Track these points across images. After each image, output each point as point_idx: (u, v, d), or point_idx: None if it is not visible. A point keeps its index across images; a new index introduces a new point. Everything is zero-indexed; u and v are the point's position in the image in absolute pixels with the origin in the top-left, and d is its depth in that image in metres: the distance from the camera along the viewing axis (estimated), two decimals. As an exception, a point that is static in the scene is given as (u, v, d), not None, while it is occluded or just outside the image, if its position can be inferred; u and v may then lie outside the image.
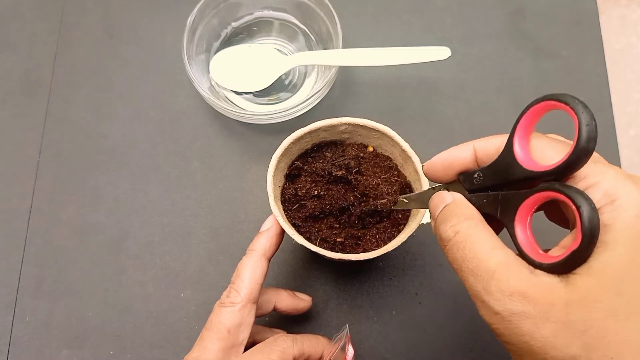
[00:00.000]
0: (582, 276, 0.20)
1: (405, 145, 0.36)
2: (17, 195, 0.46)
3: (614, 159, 0.47)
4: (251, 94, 0.48)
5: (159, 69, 0.50)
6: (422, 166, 0.29)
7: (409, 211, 0.37)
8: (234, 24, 0.49)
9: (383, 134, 0.37)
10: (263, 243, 0.34)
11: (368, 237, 0.37)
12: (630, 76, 1.15)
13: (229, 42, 0.49)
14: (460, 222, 0.24)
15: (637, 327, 0.19)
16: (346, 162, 0.38)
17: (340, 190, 0.38)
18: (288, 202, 0.38)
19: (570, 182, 0.22)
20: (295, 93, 0.48)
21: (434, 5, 0.52)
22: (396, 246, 0.34)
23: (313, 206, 0.38)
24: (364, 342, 0.42)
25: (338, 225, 0.38)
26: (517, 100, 0.49)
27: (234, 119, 0.46)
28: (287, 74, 0.49)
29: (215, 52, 0.48)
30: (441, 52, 0.44)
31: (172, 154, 0.47)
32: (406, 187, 0.38)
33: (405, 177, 0.38)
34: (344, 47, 0.44)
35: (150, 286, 0.44)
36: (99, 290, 0.44)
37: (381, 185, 0.37)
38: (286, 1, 0.48)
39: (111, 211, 0.46)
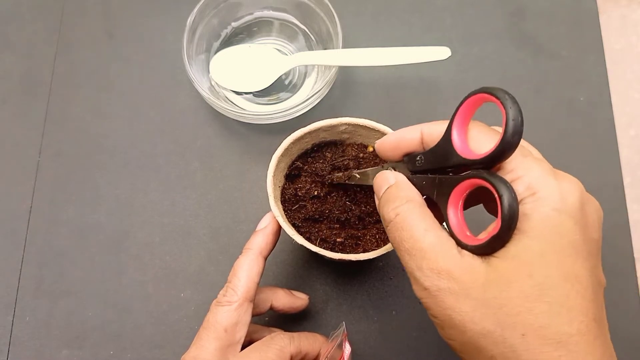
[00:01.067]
0: (501, 259, 0.22)
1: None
2: (17, 195, 0.46)
3: (614, 158, 0.47)
4: (251, 94, 0.48)
5: (159, 69, 0.50)
6: (375, 143, 0.31)
7: None
8: (234, 24, 0.49)
9: (383, 134, 0.37)
10: (259, 242, 0.34)
11: (368, 237, 0.37)
12: (630, 76, 1.15)
13: (229, 42, 0.49)
14: (402, 205, 0.26)
15: (544, 308, 0.21)
16: (345, 163, 0.38)
17: (340, 195, 0.38)
18: (288, 202, 0.38)
19: (500, 174, 0.24)
20: (295, 93, 0.48)
21: (434, 5, 0.52)
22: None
23: (313, 208, 0.38)
24: (364, 342, 0.42)
25: (338, 226, 0.38)
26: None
27: (234, 119, 0.46)
28: (287, 74, 0.49)
29: (215, 52, 0.48)
30: (441, 52, 0.44)
31: (172, 154, 0.47)
32: None
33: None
34: (344, 47, 0.44)
35: (150, 286, 0.44)
36: (99, 290, 0.44)
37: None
38: (286, 1, 0.48)
39: (111, 211, 0.46)
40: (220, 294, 0.33)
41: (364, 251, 0.36)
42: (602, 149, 0.48)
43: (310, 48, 0.49)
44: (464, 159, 0.25)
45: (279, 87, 0.48)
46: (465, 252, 0.23)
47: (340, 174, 0.37)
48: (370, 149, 0.39)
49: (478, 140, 0.25)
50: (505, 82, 0.50)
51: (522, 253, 0.22)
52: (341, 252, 0.36)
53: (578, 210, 0.23)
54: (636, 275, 0.44)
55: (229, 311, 0.32)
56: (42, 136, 0.48)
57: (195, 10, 0.45)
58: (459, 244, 0.24)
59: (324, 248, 0.36)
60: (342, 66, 0.46)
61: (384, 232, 0.37)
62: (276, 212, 0.34)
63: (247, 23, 0.50)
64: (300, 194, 0.38)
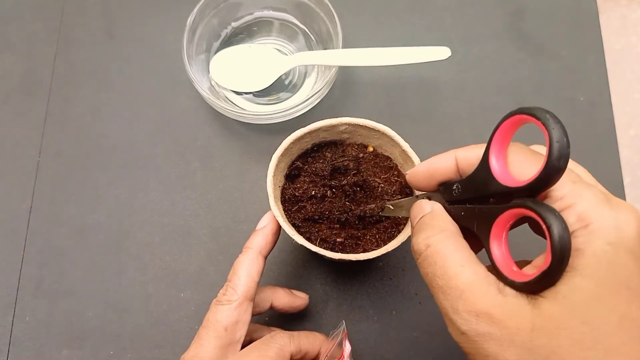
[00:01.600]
0: (550, 301, 0.20)
1: (405, 146, 0.36)
2: (17, 195, 0.46)
3: (614, 159, 0.47)
4: (251, 94, 0.48)
5: (159, 69, 0.50)
6: (406, 174, 0.29)
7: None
8: (234, 24, 0.49)
9: (383, 134, 0.37)
10: (259, 241, 0.34)
11: (368, 237, 0.37)
12: (630, 76, 1.15)
13: (229, 42, 0.49)
14: (434, 235, 0.24)
15: (600, 355, 0.19)
16: (346, 163, 0.38)
17: (340, 195, 0.38)
18: (288, 202, 0.38)
19: (547, 202, 0.22)
20: (295, 93, 0.48)
21: (434, 5, 0.52)
22: (396, 246, 0.34)
23: (313, 209, 0.38)
24: (364, 342, 0.42)
25: (338, 225, 0.38)
26: (517, 100, 0.49)
27: (234, 119, 0.46)
28: (287, 74, 0.49)
29: (215, 52, 0.48)
30: (441, 52, 0.44)
31: (172, 154, 0.47)
32: (406, 187, 0.38)
33: (406, 177, 0.38)
34: (344, 47, 0.44)
35: (150, 286, 0.44)
36: (99, 290, 0.44)
37: (381, 186, 0.38)
38: (286, 1, 0.48)
39: (111, 211, 0.46)
40: (220, 292, 0.33)
41: (364, 251, 0.36)
42: (602, 149, 0.48)
43: (310, 48, 0.49)
44: (505, 186, 0.23)
45: (279, 87, 0.48)
46: (508, 291, 0.21)
47: (373, 205, 0.36)
48: (370, 149, 0.39)
49: (520, 165, 0.23)
50: (505, 82, 0.50)
51: (574, 294, 0.20)
52: (341, 252, 0.36)
53: (636, 244, 0.20)
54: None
55: (229, 310, 0.31)
56: (42, 136, 0.48)
57: (195, 10, 0.45)
58: (504, 280, 0.22)
59: (324, 248, 0.36)
60: (342, 66, 0.46)
61: (384, 232, 0.37)
62: (276, 212, 0.34)
63: (247, 23, 0.50)
64: (300, 194, 0.38)
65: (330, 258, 0.34)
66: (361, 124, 0.37)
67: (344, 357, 0.34)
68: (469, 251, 0.23)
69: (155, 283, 0.44)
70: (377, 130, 0.37)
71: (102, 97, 0.49)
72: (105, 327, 0.43)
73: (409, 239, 0.34)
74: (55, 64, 0.50)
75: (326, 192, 0.38)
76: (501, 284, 0.22)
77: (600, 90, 0.49)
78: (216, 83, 0.47)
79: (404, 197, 0.36)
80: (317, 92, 0.43)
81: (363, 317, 0.43)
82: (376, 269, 0.44)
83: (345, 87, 0.49)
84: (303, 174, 0.38)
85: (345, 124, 0.37)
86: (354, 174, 0.38)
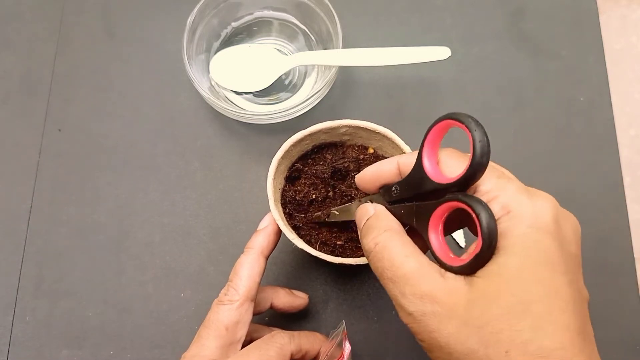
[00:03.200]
0: (482, 278, 0.22)
1: (407, 148, 0.36)
2: (17, 195, 0.46)
3: (614, 158, 0.47)
4: (251, 94, 0.48)
5: (159, 69, 0.50)
6: (355, 177, 0.32)
7: None
8: (234, 24, 0.49)
9: (384, 136, 0.37)
10: (261, 241, 0.34)
11: None
12: (630, 76, 1.15)
13: (229, 42, 0.49)
14: (380, 235, 0.26)
15: (527, 324, 0.21)
16: (346, 165, 0.38)
17: (341, 197, 0.38)
18: (288, 204, 0.38)
19: (476, 195, 0.24)
20: (295, 93, 0.48)
21: (434, 5, 0.52)
22: None
23: (313, 211, 0.38)
24: (364, 342, 0.42)
25: (338, 228, 0.37)
26: (517, 100, 0.49)
27: (234, 119, 0.46)
28: (287, 74, 0.49)
29: (215, 52, 0.48)
30: (441, 52, 0.44)
31: (172, 154, 0.47)
32: None
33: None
34: (344, 47, 0.44)
35: (150, 286, 0.44)
36: (99, 290, 0.44)
37: None
38: (286, 1, 0.48)
39: (111, 211, 0.46)
40: (222, 292, 0.33)
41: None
42: (602, 149, 0.48)
43: (310, 48, 0.49)
44: (438, 183, 0.25)
45: (279, 87, 0.48)
46: (448, 274, 0.24)
47: (319, 213, 0.37)
48: (371, 151, 0.39)
49: (450, 165, 0.26)
50: (505, 82, 0.50)
51: (502, 270, 0.22)
52: (341, 255, 0.36)
53: (553, 226, 0.23)
54: (636, 275, 0.44)
55: (230, 310, 0.32)
56: (42, 136, 0.48)
57: (195, 10, 0.44)
58: (443, 266, 0.24)
59: (324, 251, 0.35)
60: (342, 66, 0.46)
61: None
62: (276, 215, 0.34)
63: (247, 23, 0.50)
64: (300, 197, 0.38)
65: (331, 262, 0.34)
66: (362, 126, 0.37)
67: (343, 357, 0.34)
68: (412, 245, 0.26)
69: (155, 283, 0.44)
70: (378, 133, 0.37)
71: (102, 97, 0.49)
72: (105, 327, 0.43)
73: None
74: (55, 64, 0.50)
75: (327, 194, 0.38)
76: (442, 270, 0.24)
77: (600, 90, 0.49)
78: (216, 83, 0.47)
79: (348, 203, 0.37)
80: (317, 92, 0.43)
81: (363, 317, 0.43)
82: (376, 269, 0.44)
83: (345, 87, 0.49)
84: (303, 176, 0.38)
85: (346, 126, 0.37)
86: (354, 176, 0.38)
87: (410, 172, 0.28)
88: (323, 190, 0.38)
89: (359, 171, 0.38)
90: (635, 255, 0.45)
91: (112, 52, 0.51)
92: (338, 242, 0.37)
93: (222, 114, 0.45)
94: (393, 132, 0.36)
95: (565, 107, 0.49)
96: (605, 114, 0.49)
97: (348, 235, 0.37)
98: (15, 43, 0.51)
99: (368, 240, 0.27)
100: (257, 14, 0.49)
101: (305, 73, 0.49)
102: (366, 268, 0.44)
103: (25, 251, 0.45)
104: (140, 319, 0.43)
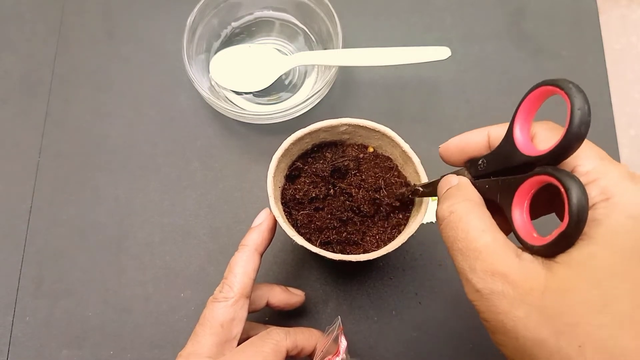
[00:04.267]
0: (564, 265, 0.21)
1: (406, 146, 0.36)
2: (17, 195, 0.46)
3: (614, 158, 0.47)
4: (251, 94, 0.48)
5: (159, 69, 0.50)
6: (439, 148, 0.30)
7: (409, 212, 0.37)
8: (234, 24, 0.49)
9: (383, 134, 0.37)
10: (255, 238, 0.34)
11: (368, 237, 0.37)
12: (630, 76, 1.15)
13: (229, 42, 0.49)
14: (458, 203, 0.25)
15: (607, 321, 0.19)
16: (346, 163, 0.38)
17: (340, 195, 0.38)
18: (288, 202, 0.38)
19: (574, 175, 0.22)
20: (295, 93, 0.48)
21: (434, 5, 0.52)
22: (396, 247, 0.34)
23: (313, 209, 0.37)
24: (364, 342, 0.42)
25: (338, 226, 0.38)
26: (517, 100, 0.49)
27: (234, 119, 0.46)
28: (287, 74, 0.49)
29: (215, 52, 0.48)
30: (441, 52, 0.44)
31: (172, 154, 0.47)
32: (406, 186, 0.38)
33: (406, 177, 0.38)
34: (344, 47, 0.44)
35: (150, 286, 0.44)
36: (99, 290, 0.44)
37: (382, 188, 0.37)
38: (286, 1, 0.48)
39: (111, 211, 0.46)
40: (217, 290, 0.33)
41: (364, 252, 0.36)
42: (602, 149, 0.48)
43: (310, 48, 0.49)
44: (528, 156, 0.23)
45: (279, 87, 0.48)
46: (525, 255, 0.22)
47: (404, 189, 0.36)
48: (371, 150, 0.39)
49: (544, 137, 0.24)
50: (505, 82, 0.50)
51: (588, 260, 0.20)
52: (341, 253, 0.36)
53: None
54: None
55: (226, 307, 0.32)
56: (42, 136, 0.48)
57: (195, 10, 0.45)
58: (525, 245, 0.22)
59: (324, 248, 0.36)
60: (342, 66, 0.46)
61: (385, 232, 0.37)
62: (276, 212, 0.34)
63: (247, 23, 0.50)
64: (300, 195, 0.38)
65: (331, 259, 0.34)
66: (361, 125, 0.37)
67: (339, 352, 0.34)
68: (490, 220, 0.24)
69: (155, 283, 0.44)
70: (378, 131, 0.37)
71: (102, 97, 0.49)
72: (105, 327, 0.43)
73: (410, 239, 0.34)
74: (55, 64, 0.50)
75: (327, 192, 0.38)
76: (519, 250, 0.22)
77: (600, 90, 0.49)
78: (216, 83, 0.47)
79: (428, 183, 0.36)
80: (317, 92, 0.43)
81: (363, 317, 0.43)
82: (376, 269, 0.44)
83: (345, 87, 0.49)
84: (303, 174, 0.38)
85: (346, 124, 0.37)
86: (354, 175, 0.38)
87: (499, 145, 0.25)
88: (323, 188, 0.38)
89: (358, 170, 0.38)
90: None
91: (112, 52, 0.51)
92: (338, 240, 0.37)
93: (222, 114, 0.45)
94: (392, 130, 0.36)
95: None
96: (605, 114, 0.49)
97: (348, 233, 0.37)
98: (15, 43, 0.51)
99: (443, 207, 0.25)
100: (257, 14, 0.49)
101: (305, 73, 0.49)
102: (366, 266, 0.44)
103: (25, 251, 0.45)
104: (140, 319, 0.43)
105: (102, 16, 0.52)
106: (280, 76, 0.47)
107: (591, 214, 0.21)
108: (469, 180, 0.27)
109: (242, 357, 0.30)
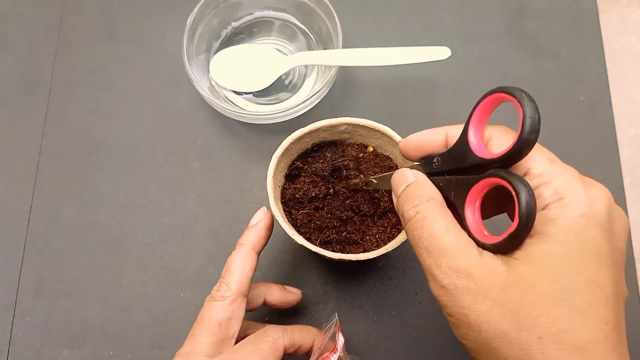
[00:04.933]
0: (523, 262, 0.22)
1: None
2: (17, 195, 0.46)
3: (614, 158, 0.47)
4: (251, 94, 0.48)
5: (159, 69, 0.50)
6: (399, 142, 0.31)
7: None
8: (234, 24, 0.49)
9: (383, 134, 0.37)
10: (252, 237, 0.34)
11: (368, 237, 0.37)
12: (630, 76, 1.15)
13: (229, 42, 0.49)
14: (422, 203, 0.26)
15: (564, 314, 0.21)
16: (346, 163, 0.38)
17: (340, 194, 0.38)
18: (288, 202, 0.38)
19: (527, 178, 0.24)
20: (295, 93, 0.48)
21: (434, 5, 0.52)
22: (396, 246, 0.34)
23: (313, 209, 0.38)
24: (364, 342, 0.42)
25: (338, 225, 0.38)
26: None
27: (234, 119, 0.46)
28: (287, 74, 0.49)
29: (215, 52, 0.48)
30: (441, 52, 0.44)
31: (172, 154, 0.47)
32: None
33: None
34: (344, 47, 0.44)
35: (150, 286, 0.44)
36: (99, 290, 0.43)
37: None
38: (286, 1, 0.48)
39: (111, 211, 0.46)
40: (214, 289, 0.33)
41: (364, 251, 0.36)
42: (602, 149, 0.48)
43: (310, 48, 0.49)
44: (481, 158, 0.25)
45: (279, 87, 0.48)
46: (485, 253, 0.23)
47: (357, 180, 0.37)
48: (370, 149, 0.39)
49: (496, 140, 0.25)
50: (505, 82, 0.50)
51: (546, 257, 0.22)
52: (341, 252, 0.36)
53: (605, 218, 0.22)
54: (636, 275, 0.44)
55: (223, 306, 0.32)
56: (42, 136, 0.48)
57: (195, 10, 0.45)
58: (477, 243, 0.24)
59: (324, 248, 0.36)
60: (342, 66, 0.46)
61: (384, 231, 0.37)
62: (276, 212, 0.34)
63: (247, 23, 0.50)
64: (300, 194, 0.38)
65: (330, 258, 0.34)
66: (361, 124, 0.37)
67: (336, 349, 0.34)
68: (452, 218, 0.25)
69: (155, 283, 0.44)
70: (377, 130, 0.37)
71: (102, 97, 0.49)
72: (105, 327, 0.43)
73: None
74: (55, 64, 0.50)
75: (327, 191, 0.38)
76: (480, 248, 0.24)
77: (600, 90, 0.49)
78: (216, 83, 0.47)
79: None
80: (317, 92, 0.43)
81: (363, 317, 0.43)
82: (376, 269, 0.44)
83: (345, 87, 0.49)
84: (303, 174, 0.38)
85: (345, 124, 0.37)
86: (354, 174, 0.38)
87: (453, 145, 0.27)
88: (323, 187, 0.38)
89: (358, 169, 0.38)
90: (635, 255, 0.45)
91: (112, 52, 0.51)
92: (338, 239, 0.37)
93: (222, 114, 0.45)
94: (392, 130, 0.36)
95: (565, 107, 0.49)
96: (605, 114, 0.49)
97: (348, 232, 0.37)
98: (15, 43, 0.51)
99: (408, 208, 0.26)
100: (257, 14, 0.49)
101: (305, 73, 0.49)
102: (366, 266, 0.44)
103: (25, 251, 0.44)
104: (140, 319, 0.43)
105: (102, 16, 0.52)
106: (280, 76, 0.47)
107: (546, 213, 0.23)
108: (425, 177, 0.28)
109: (240, 355, 0.31)
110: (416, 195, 0.26)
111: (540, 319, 0.21)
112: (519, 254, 0.22)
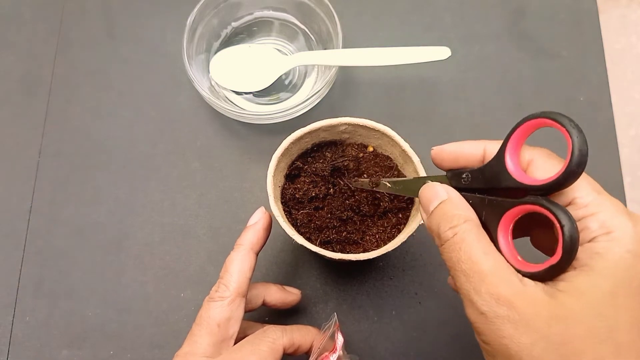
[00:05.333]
0: (568, 294, 0.22)
1: (406, 146, 0.36)
2: (17, 195, 0.46)
3: (614, 159, 0.47)
4: (251, 94, 0.48)
5: (159, 69, 0.50)
6: (431, 150, 0.30)
7: (409, 211, 0.37)
8: (234, 24, 0.49)
9: (383, 134, 0.37)
10: (250, 237, 0.34)
11: (368, 237, 0.37)
12: (630, 76, 1.15)
13: (229, 42, 0.49)
14: (460, 224, 0.25)
15: (610, 350, 0.21)
16: (346, 163, 0.38)
17: (340, 194, 0.38)
18: (288, 202, 0.38)
19: (571, 208, 0.24)
20: (295, 93, 0.48)
21: (434, 5, 0.52)
22: (396, 246, 0.34)
23: (313, 209, 0.38)
24: (364, 342, 0.42)
25: (338, 225, 0.38)
26: (517, 100, 0.49)
27: (234, 119, 0.46)
28: (287, 74, 0.49)
29: (215, 52, 0.48)
30: (441, 52, 0.44)
31: (172, 154, 0.47)
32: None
33: (406, 177, 0.38)
34: (344, 47, 0.44)
35: (150, 286, 0.44)
36: (99, 290, 0.44)
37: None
38: (286, 1, 0.48)
39: (111, 211, 0.46)
40: (213, 289, 0.33)
41: (364, 251, 0.36)
42: (602, 149, 0.48)
43: (310, 48, 0.49)
44: (520, 182, 0.24)
45: (279, 87, 0.48)
46: (526, 281, 0.23)
47: (366, 179, 0.36)
48: (370, 149, 0.39)
49: (538, 165, 0.25)
50: (505, 82, 0.50)
51: (593, 291, 0.21)
52: (341, 252, 0.36)
53: None
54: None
55: (222, 307, 0.32)
56: (42, 136, 0.48)
57: (195, 10, 0.45)
58: (514, 269, 0.23)
59: (324, 248, 0.36)
60: (342, 66, 0.46)
61: (384, 231, 0.37)
62: (276, 212, 0.34)
63: (247, 23, 0.50)
64: (300, 194, 0.38)
65: (331, 258, 0.34)
66: (361, 124, 0.37)
67: (336, 349, 0.34)
68: (489, 242, 0.24)
69: (155, 283, 0.44)
70: (377, 130, 0.37)
71: (102, 97, 0.49)
72: (105, 327, 0.43)
73: (409, 239, 0.34)
74: (55, 64, 0.50)
75: (327, 192, 0.38)
76: (519, 275, 0.23)
77: (600, 90, 0.49)
78: (216, 83, 0.47)
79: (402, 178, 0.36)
80: (317, 92, 0.43)
81: (363, 317, 0.43)
82: (376, 269, 0.44)
83: (345, 87, 0.49)
84: (303, 174, 0.38)
85: (345, 124, 0.37)
86: (354, 175, 0.38)
87: (486, 164, 0.26)
88: (323, 187, 0.38)
89: (358, 170, 0.38)
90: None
91: (112, 52, 0.51)
92: (338, 239, 0.37)
93: (222, 114, 0.45)
94: (392, 130, 0.36)
95: (565, 107, 0.49)
96: (605, 114, 0.49)
97: (348, 232, 0.37)
98: (15, 43, 0.51)
99: (445, 229, 0.25)
100: (257, 14, 0.49)
101: (305, 73, 0.49)
102: (366, 266, 0.44)
103: (25, 251, 0.45)
104: (140, 319, 0.43)
105: (102, 16, 0.52)
106: (280, 76, 0.47)
107: (593, 246, 0.22)
108: (459, 194, 0.27)
109: (239, 356, 0.30)
110: (453, 215, 0.26)
111: (587, 354, 0.20)
112: (562, 285, 0.22)
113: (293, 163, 0.38)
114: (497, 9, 0.52)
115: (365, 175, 0.38)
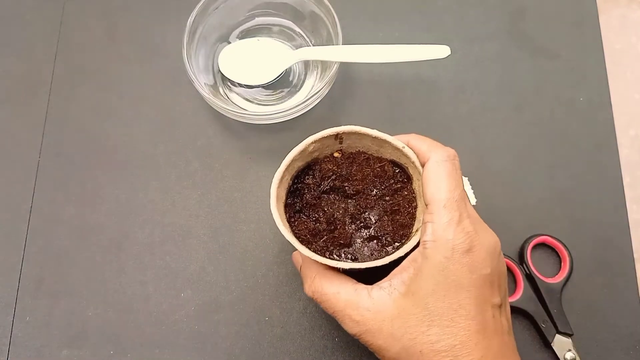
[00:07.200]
0: (403, 296, 0.29)
1: (373, 132, 0.35)
2: (17, 195, 0.46)
3: (614, 158, 0.47)
4: (259, 87, 0.48)
5: (159, 69, 0.50)
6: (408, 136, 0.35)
7: (415, 210, 0.37)
8: (234, 24, 0.49)
9: (350, 133, 0.35)
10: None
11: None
12: (630, 76, 1.15)
13: (229, 42, 0.49)
14: (313, 283, 0.32)
15: (435, 330, 0.28)
16: (332, 184, 0.37)
17: (344, 205, 0.37)
18: (292, 216, 0.37)
19: (426, 211, 0.31)
20: (295, 93, 0.48)
21: (434, 5, 0.52)
22: (404, 254, 0.33)
23: (318, 220, 0.37)
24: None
25: (344, 235, 0.37)
26: (517, 100, 0.49)
27: (234, 119, 0.46)
28: (289, 73, 0.49)
29: (216, 52, 0.48)
30: (441, 51, 0.44)
31: (172, 154, 0.47)
32: (394, 165, 0.37)
33: (387, 158, 0.37)
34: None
35: (150, 286, 0.44)
36: (99, 290, 0.44)
37: (370, 178, 0.37)
38: (286, 2, 0.48)
39: (111, 211, 0.46)
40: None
41: (375, 258, 0.35)
42: (602, 149, 0.48)
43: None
44: None
45: (285, 84, 0.48)
46: (374, 292, 0.30)
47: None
48: (337, 155, 0.38)
49: (416, 146, 0.35)
50: (505, 82, 0.50)
51: (419, 290, 0.29)
52: (351, 260, 0.36)
53: (464, 256, 0.29)
54: (636, 275, 0.44)
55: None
56: (42, 136, 0.48)
57: (195, 10, 0.45)
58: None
59: (328, 258, 0.35)
60: (342, 66, 0.46)
61: (392, 238, 0.37)
62: (279, 222, 0.33)
63: (246, 23, 0.50)
64: (302, 207, 0.37)
65: (335, 267, 0.33)
66: (325, 136, 0.35)
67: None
68: (337, 278, 0.32)
69: (155, 283, 0.44)
70: (337, 134, 0.36)
71: (102, 97, 0.49)
72: (105, 327, 0.43)
73: (416, 247, 0.33)
74: (55, 64, 0.50)
75: (329, 200, 0.37)
76: (368, 287, 0.31)
77: (600, 90, 0.49)
78: (220, 79, 0.47)
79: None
80: (317, 92, 0.43)
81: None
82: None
83: (345, 86, 0.49)
84: (306, 188, 0.38)
85: (312, 142, 0.35)
86: (344, 185, 0.38)
87: None
88: (328, 202, 0.37)
89: (342, 177, 0.37)
90: (635, 255, 0.45)
91: (112, 53, 0.51)
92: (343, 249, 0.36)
93: (222, 114, 0.45)
94: (391, 134, 0.36)
95: (565, 107, 0.49)
96: (605, 114, 0.49)
97: (354, 240, 0.37)
98: (15, 43, 0.51)
99: (307, 290, 0.33)
100: (257, 14, 0.49)
101: (306, 73, 0.49)
102: (368, 269, 0.44)
103: (25, 251, 0.45)
104: (140, 319, 0.43)
105: (102, 16, 0.52)
106: (286, 72, 0.47)
107: (423, 250, 0.29)
108: (307, 255, 0.32)
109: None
110: (306, 275, 0.33)
111: (419, 338, 0.28)
112: (403, 288, 0.30)
113: (295, 178, 0.38)
114: (497, 9, 0.52)
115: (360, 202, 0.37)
